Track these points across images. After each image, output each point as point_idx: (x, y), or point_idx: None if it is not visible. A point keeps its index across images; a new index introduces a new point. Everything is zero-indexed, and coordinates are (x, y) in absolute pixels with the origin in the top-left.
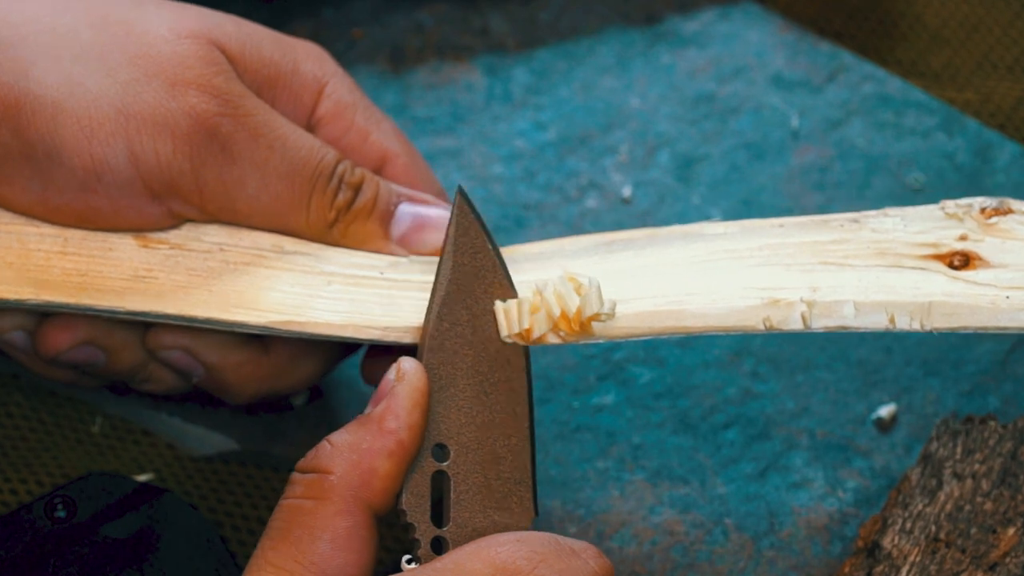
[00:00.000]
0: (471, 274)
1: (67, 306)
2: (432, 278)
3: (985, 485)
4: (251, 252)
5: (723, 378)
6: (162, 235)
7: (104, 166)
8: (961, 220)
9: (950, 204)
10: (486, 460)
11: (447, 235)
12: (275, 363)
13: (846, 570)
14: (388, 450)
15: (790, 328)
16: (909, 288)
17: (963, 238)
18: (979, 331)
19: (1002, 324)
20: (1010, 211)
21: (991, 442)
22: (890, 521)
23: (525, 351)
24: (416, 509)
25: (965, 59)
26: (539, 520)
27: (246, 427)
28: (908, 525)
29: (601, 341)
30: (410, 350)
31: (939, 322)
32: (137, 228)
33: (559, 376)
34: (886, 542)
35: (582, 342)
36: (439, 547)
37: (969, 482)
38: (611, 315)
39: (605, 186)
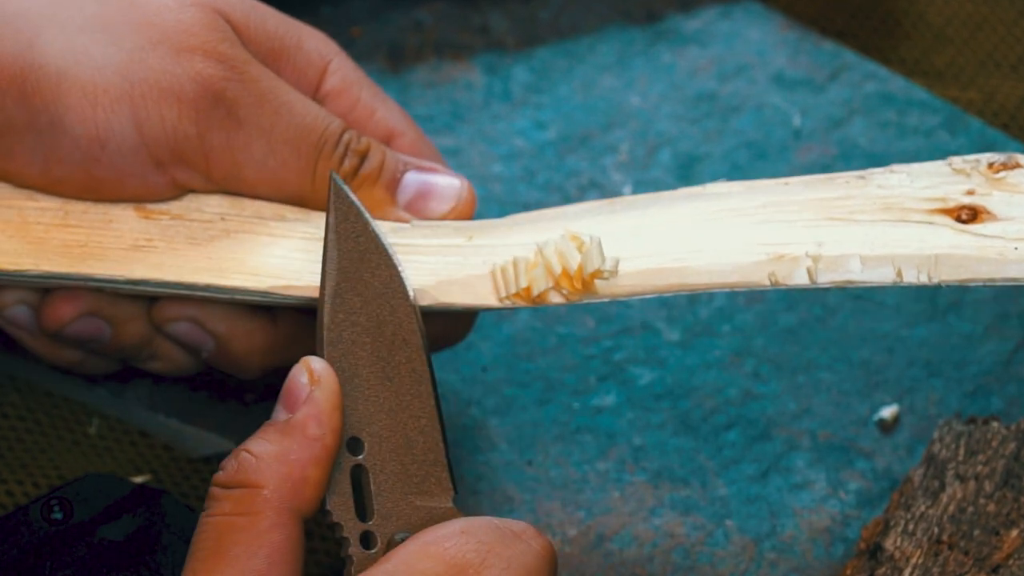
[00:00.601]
0: (357, 260)
1: (66, 276)
2: (437, 241)
3: (988, 487)
4: (252, 220)
5: (724, 379)
6: (163, 206)
7: (109, 134)
8: (968, 175)
9: (957, 160)
10: (400, 446)
11: (327, 223)
12: (283, 332)
13: (848, 572)
14: (315, 457)
15: (795, 283)
16: (916, 241)
17: (970, 192)
18: (987, 283)
19: (1010, 275)
20: (1018, 165)
21: (994, 443)
22: (892, 523)
23: (420, 327)
24: (341, 508)
25: (968, 58)
26: (535, 519)
27: (244, 428)
28: (910, 527)
29: (605, 300)
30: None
31: (946, 274)
32: (140, 198)
33: (559, 377)
34: (888, 544)
35: (585, 301)
36: (368, 541)
37: (972, 484)
38: (614, 272)
39: (605, 185)
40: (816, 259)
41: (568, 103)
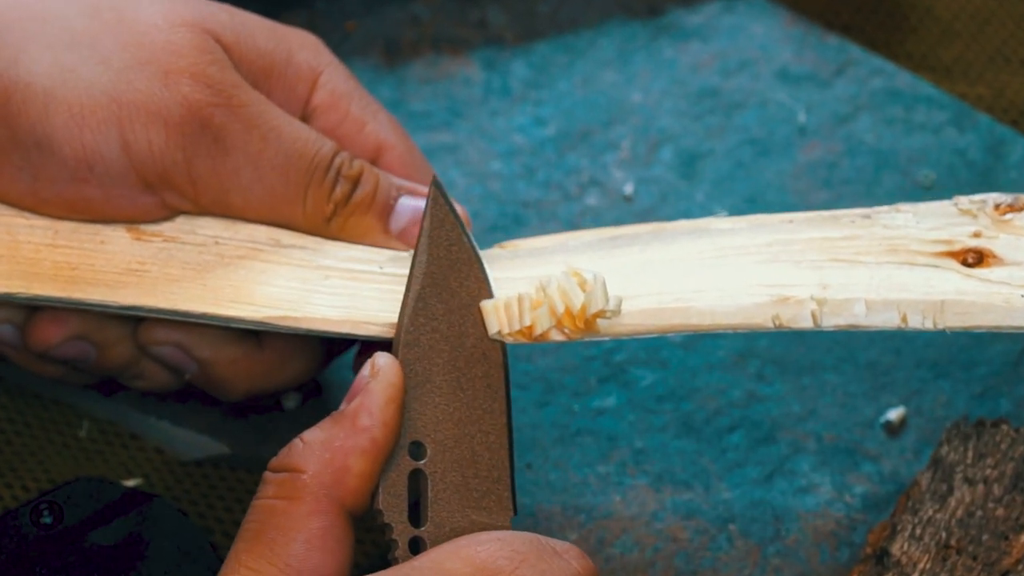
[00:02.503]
0: (446, 267)
1: (57, 300)
2: None
3: (997, 490)
4: (247, 245)
5: (728, 380)
6: (156, 227)
7: (96, 155)
8: (975, 216)
9: (963, 200)
10: (464, 458)
11: (421, 227)
12: (270, 359)
13: None
14: (361, 448)
15: (800, 326)
16: (921, 286)
17: (977, 235)
18: (993, 330)
19: (1017, 323)
20: None
21: (1003, 446)
22: (899, 527)
23: (503, 345)
24: (393, 509)
25: (977, 53)
26: (535, 524)
27: (236, 431)
28: (918, 531)
29: (606, 339)
30: None
31: (952, 321)
32: (130, 219)
33: (559, 378)
34: (895, 549)
35: (587, 339)
36: (417, 547)
37: (980, 487)
38: (617, 312)
39: (606, 183)
40: (821, 303)
41: (568, 99)
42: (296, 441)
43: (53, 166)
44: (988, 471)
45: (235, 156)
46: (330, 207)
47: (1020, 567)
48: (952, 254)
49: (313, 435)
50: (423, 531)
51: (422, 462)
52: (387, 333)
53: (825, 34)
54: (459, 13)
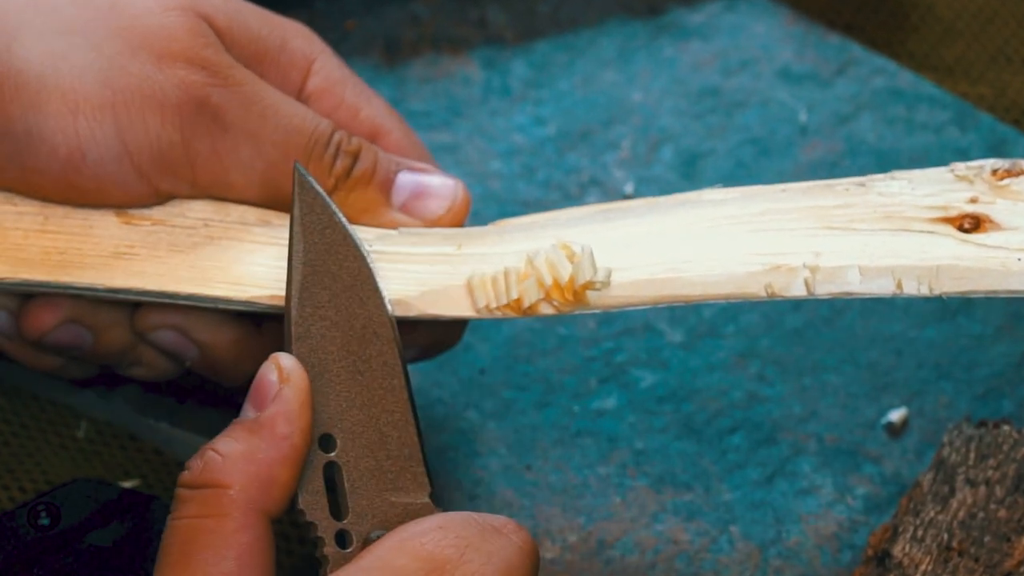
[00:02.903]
0: (324, 252)
1: (45, 284)
2: (425, 249)
3: (999, 492)
4: (236, 226)
5: (728, 381)
6: (145, 212)
7: (90, 143)
8: (971, 182)
9: (960, 166)
10: (373, 442)
11: (292, 216)
12: (268, 340)
13: None
14: (284, 457)
15: (793, 294)
16: (916, 252)
17: (973, 200)
18: (989, 295)
19: (1013, 287)
20: (1023, 172)
21: (1005, 447)
22: (901, 529)
23: (391, 319)
24: (314, 507)
25: (979, 52)
26: (535, 526)
27: None
28: (920, 533)
29: (597, 311)
30: (403, 321)
31: (948, 286)
32: (121, 205)
33: (559, 379)
34: (897, 551)
35: (577, 312)
36: (343, 540)
37: (983, 489)
38: (606, 283)
39: (606, 183)
40: (814, 270)
41: (568, 98)
42: (210, 454)
43: (45, 155)
44: (990, 472)
45: (234, 134)
46: (332, 181)
47: (1022, 569)
48: (948, 220)
49: (230, 447)
50: (346, 523)
51: (333, 454)
52: None
53: (826, 33)
54: (459, 12)
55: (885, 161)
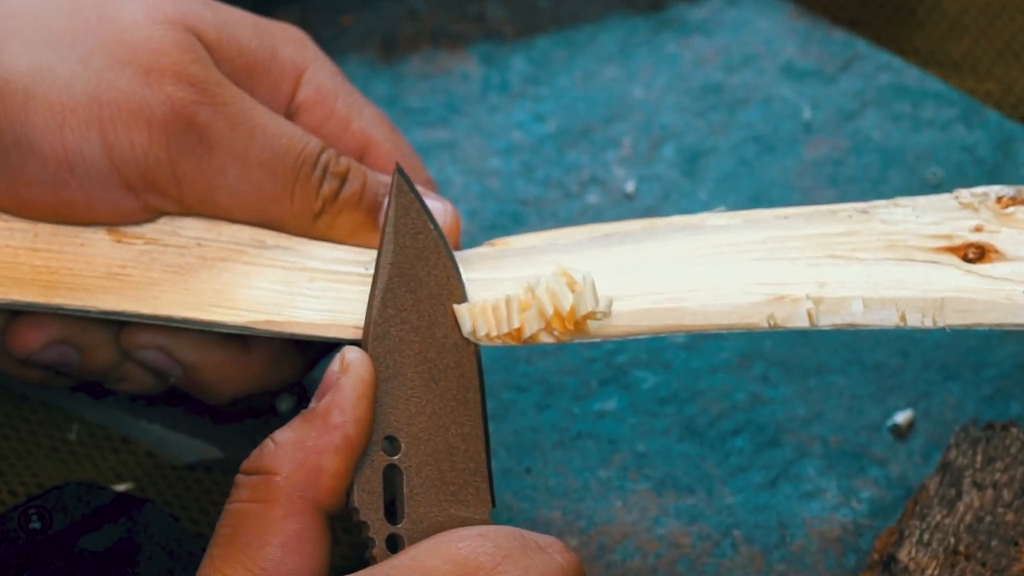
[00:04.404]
0: (413, 257)
1: (36, 305)
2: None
3: (1007, 495)
4: (230, 247)
5: (731, 383)
6: (137, 230)
7: (77, 156)
8: (976, 210)
9: (964, 193)
10: (439, 451)
11: (386, 217)
12: (256, 362)
13: None
14: (334, 446)
15: (795, 326)
16: (921, 283)
17: (978, 229)
18: (995, 328)
19: (1020, 320)
20: None
21: (1013, 450)
22: (907, 533)
23: None
24: (368, 506)
25: (986, 48)
26: (534, 529)
27: (230, 434)
28: (926, 537)
29: (597, 340)
30: None
31: (952, 319)
32: (111, 222)
33: (559, 381)
34: (903, 555)
35: (577, 341)
36: (394, 545)
37: (990, 492)
38: (607, 313)
39: (607, 181)
40: (817, 301)
41: (568, 95)
42: (267, 442)
43: (32, 167)
44: (998, 475)
45: (220, 154)
46: (318, 204)
47: None
48: (952, 249)
49: (284, 435)
50: (400, 528)
51: (396, 457)
52: None
53: (831, 28)
54: (457, 7)
55: (890, 159)
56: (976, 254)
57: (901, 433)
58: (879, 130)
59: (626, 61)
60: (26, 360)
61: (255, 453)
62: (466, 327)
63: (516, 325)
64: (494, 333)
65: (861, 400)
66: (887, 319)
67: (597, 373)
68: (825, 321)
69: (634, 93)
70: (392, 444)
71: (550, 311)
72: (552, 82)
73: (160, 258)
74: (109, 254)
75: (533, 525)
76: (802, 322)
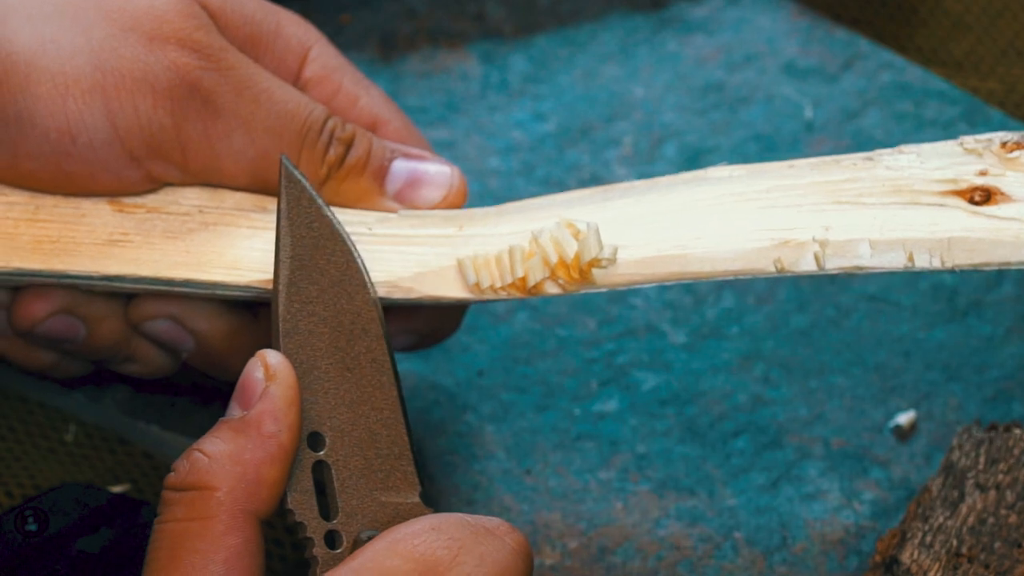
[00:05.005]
0: (312, 247)
1: (38, 272)
2: (426, 231)
3: (1010, 497)
4: (232, 212)
5: (732, 384)
6: (138, 199)
7: (80, 126)
8: (980, 155)
9: (969, 139)
10: (363, 440)
11: (278, 209)
12: (265, 330)
13: None
14: (272, 456)
15: (803, 269)
16: (927, 224)
17: (983, 173)
18: (1003, 267)
19: None
20: None
21: (1016, 451)
22: (909, 535)
23: (380, 315)
24: (303, 506)
25: (989, 46)
26: (534, 531)
27: None
28: (928, 539)
29: (603, 290)
30: (403, 306)
31: (960, 258)
32: (114, 193)
33: (559, 381)
34: (905, 557)
35: (583, 291)
36: (332, 542)
37: (993, 493)
38: (612, 260)
39: (608, 180)
40: (823, 244)
41: (569, 94)
42: (196, 455)
43: (35, 138)
44: (1000, 477)
45: (226, 119)
46: (324, 170)
47: None
48: (958, 193)
49: (216, 447)
50: (336, 523)
51: (323, 452)
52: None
53: (833, 27)
54: (456, 5)
55: None
56: (982, 196)
57: (903, 434)
58: (881, 129)
59: (627, 60)
60: (31, 333)
61: (183, 467)
62: (470, 278)
63: (520, 274)
64: (498, 284)
65: (863, 401)
66: (895, 261)
67: (597, 374)
68: (832, 264)
69: (635, 92)
70: (317, 439)
71: (554, 259)
72: (552, 81)
73: (161, 225)
74: (110, 222)
75: (533, 527)
76: (809, 266)
